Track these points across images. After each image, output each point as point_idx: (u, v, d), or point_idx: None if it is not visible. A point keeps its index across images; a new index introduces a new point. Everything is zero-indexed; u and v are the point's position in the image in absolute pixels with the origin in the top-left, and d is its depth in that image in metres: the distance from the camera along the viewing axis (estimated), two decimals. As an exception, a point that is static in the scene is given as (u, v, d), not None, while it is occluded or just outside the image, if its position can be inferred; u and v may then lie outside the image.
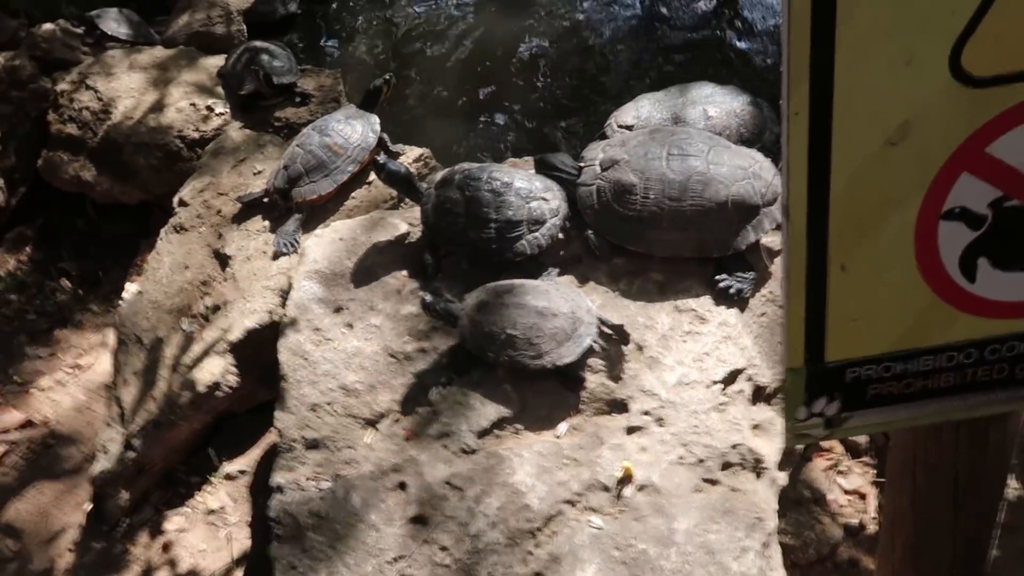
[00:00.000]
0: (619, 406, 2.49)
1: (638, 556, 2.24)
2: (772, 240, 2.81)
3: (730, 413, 2.50)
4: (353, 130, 3.34)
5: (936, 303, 1.16)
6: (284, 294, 2.96)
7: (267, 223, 3.31)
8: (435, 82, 5.10)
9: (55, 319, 3.98)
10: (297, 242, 3.16)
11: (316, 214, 3.27)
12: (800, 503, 2.79)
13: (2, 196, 4.20)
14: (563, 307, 2.51)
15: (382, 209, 3.25)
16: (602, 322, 2.55)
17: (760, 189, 2.69)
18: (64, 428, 3.48)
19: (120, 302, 3.60)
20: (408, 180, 2.97)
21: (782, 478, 2.57)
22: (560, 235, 2.81)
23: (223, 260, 3.27)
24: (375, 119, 3.41)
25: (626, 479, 2.36)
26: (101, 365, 3.66)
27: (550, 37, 5.32)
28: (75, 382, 3.66)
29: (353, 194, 3.33)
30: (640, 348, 2.57)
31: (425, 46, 5.38)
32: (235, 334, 3.04)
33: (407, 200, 3.18)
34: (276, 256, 3.16)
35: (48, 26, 4.50)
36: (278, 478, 2.51)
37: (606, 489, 2.35)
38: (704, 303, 2.67)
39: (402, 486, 2.41)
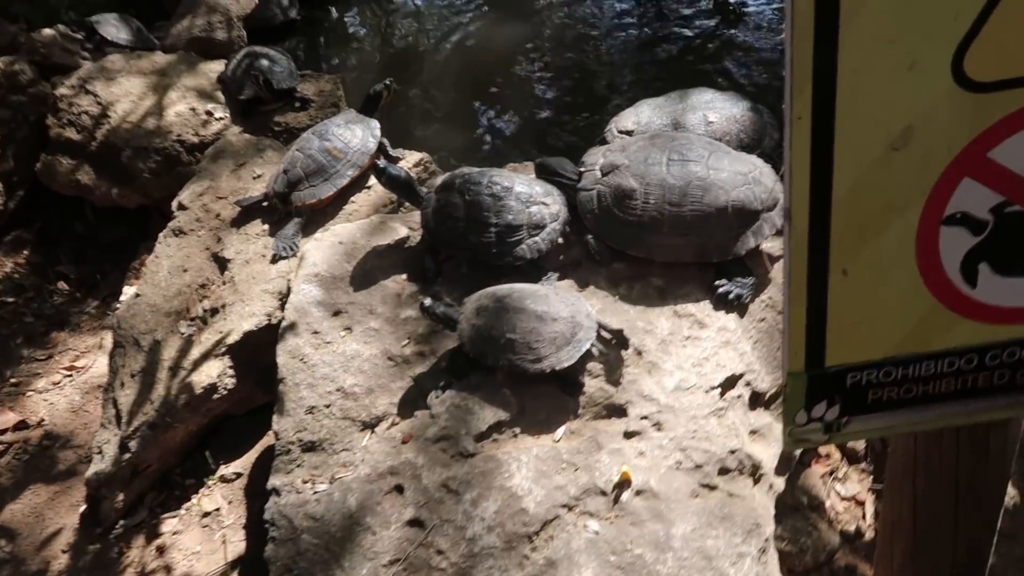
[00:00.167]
0: (618, 411, 2.49)
1: (635, 561, 2.24)
2: (772, 246, 2.81)
3: (728, 418, 2.50)
4: (353, 135, 3.34)
5: (937, 308, 1.16)
6: (283, 297, 2.96)
7: (266, 227, 3.32)
8: (435, 87, 5.12)
9: (52, 321, 3.98)
10: (296, 246, 3.17)
11: (316, 218, 3.28)
12: (797, 509, 2.79)
13: (1, 199, 4.20)
14: (563, 311, 2.51)
15: (382, 213, 3.25)
16: (601, 327, 2.55)
17: (760, 195, 2.70)
18: (60, 430, 3.47)
19: (118, 305, 3.59)
20: (408, 184, 2.97)
21: (780, 484, 2.57)
22: (560, 240, 2.81)
23: (222, 263, 3.27)
24: (375, 124, 3.42)
25: (624, 484, 2.35)
26: (98, 367, 3.66)
27: (550, 42, 5.33)
28: (71, 384, 3.65)
29: (353, 198, 3.34)
30: (639, 353, 2.57)
31: (425, 51, 5.39)
32: (233, 337, 3.04)
33: (407, 204, 3.19)
34: (275, 259, 3.16)
35: (48, 31, 4.51)
36: (275, 480, 2.50)
37: (604, 494, 2.35)
38: (704, 308, 2.67)
39: (399, 489, 2.40)
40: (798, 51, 0.99)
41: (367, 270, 2.88)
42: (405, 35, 5.57)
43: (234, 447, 3.23)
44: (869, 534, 2.79)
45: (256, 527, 2.82)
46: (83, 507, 3.17)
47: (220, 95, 4.12)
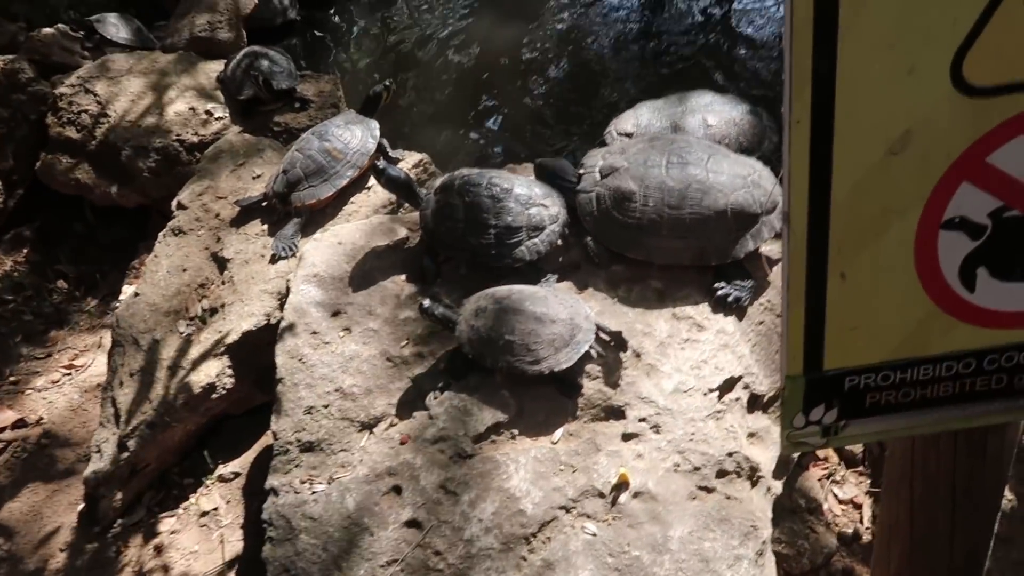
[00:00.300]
0: (616, 413, 2.49)
1: (632, 563, 2.24)
2: (770, 249, 2.82)
3: (726, 421, 2.50)
4: (353, 135, 3.34)
5: (935, 312, 1.17)
6: (282, 298, 2.96)
7: (266, 227, 3.32)
8: (434, 88, 5.12)
9: (51, 320, 3.98)
10: (295, 246, 3.17)
11: (315, 218, 3.28)
12: (795, 512, 2.79)
13: (0, 198, 4.20)
14: (561, 313, 2.52)
15: (381, 214, 3.25)
16: (600, 329, 2.55)
17: (759, 198, 2.70)
18: (58, 428, 3.47)
19: (117, 304, 3.59)
20: (408, 185, 2.97)
21: (777, 487, 2.57)
22: (559, 241, 2.81)
23: (221, 263, 3.27)
24: (375, 124, 3.42)
25: (622, 486, 2.36)
26: (97, 366, 3.66)
27: (550, 44, 5.34)
28: (70, 383, 3.65)
29: (352, 199, 3.34)
30: (638, 355, 2.57)
31: (424, 53, 5.39)
32: (232, 337, 3.04)
33: (406, 205, 3.19)
34: (274, 260, 3.16)
35: (48, 30, 4.52)
36: (273, 480, 2.51)
37: (601, 495, 2.35)
38: (702, 311, 2.67)
39: (397, 490, 2.41)
40: (797, 55, 0.99)
41: (366, 271, 2.88)
42: (405, 36, 5.57)
43: (232, 447, 3.23)
44: (866, 537, 2.80)
45: (254, 527, 2.82)
46: (81, 506, 3.17)
47: (220, 95, 4.12)
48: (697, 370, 2.55)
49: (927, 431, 1.31)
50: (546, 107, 4.89)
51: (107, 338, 3.56)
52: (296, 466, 2.51)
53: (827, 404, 1.24)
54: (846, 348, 1.19)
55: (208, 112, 4.01)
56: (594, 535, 2.29)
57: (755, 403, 2.61)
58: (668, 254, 2.72)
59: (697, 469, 2.41)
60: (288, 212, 3.27)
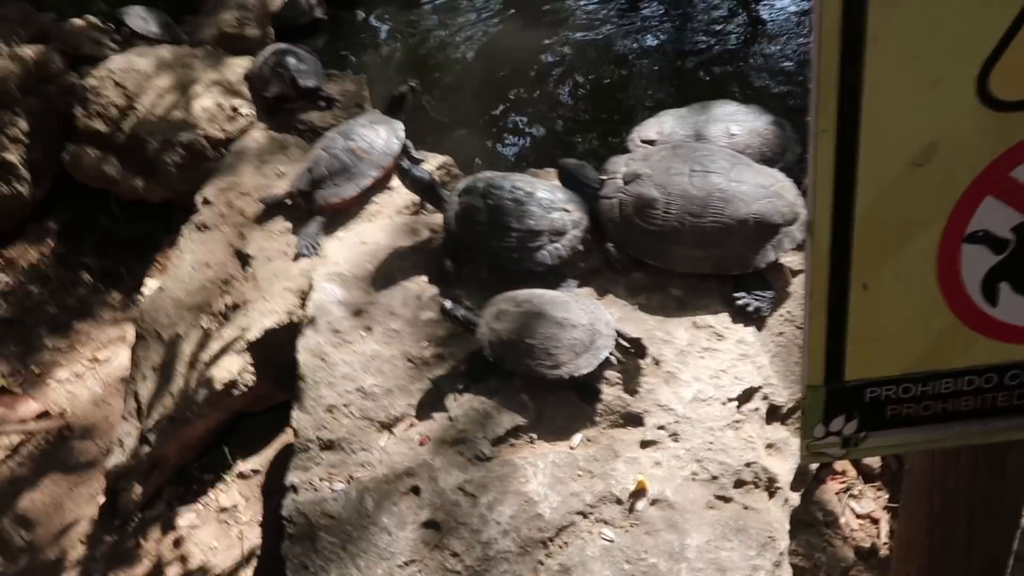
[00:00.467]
0: (634, 420, 2.49)
1: (648, 570, 2.24)
2: (791, 259, 2.81)
3: (745, 431, 2.50)
4: (377, 135, 3.36)
5: (957, 326, 1.16)
6: (304, 296, 2.98)
7: (289, 224, 3.34)
8: (459, 90, 5.13)
9: (75, 312, 4.01)
10: (318, 244, 3.18)
11: (338, 217, 3.29)
12: (812, 525, 2.78)
13: (27, 189, 4.24)
14: (582, 319, 2.52)
15: (404, 214, 3.27)
16: (620, 335, 2.55)
17: (781, 208, 2.69)
18: (80, 420, 3.51)
19: (140, 298, 3.63)
20: (431, 186, 2.99)
21: (795, 499, 2.56)
22: (581, 247, 2.82)
23: (244, 260, 3.29)
24: (399, 125, 3.43)
25: (639, 493, 2.36)
26: (119, 359, 3.70)
27: (574, 50, 5.34)
28: (93, 375, 3.69)
29: (376, 199, 3.35)
30: (657, 362, 2.57)
31: (450, 54, 5.41)
32: (253, 333, 3.06)
33: (429, 207, 3.20)
34: (297, 257, 3.18)
35: (77, 22, 4.56)
36: (292, 478, 2.52)
37: (619, 502, 2.35)
38: (722, 320, 2.67)
39: (415, 490, 2.42)
40: (824, 65, 0.99)
41: (388, 271, 2.90)
42: (430, 38, 5.59)
43: (252, 444, 3.25)
44: (883, 552, 2.78)
45: (272, 524, 2.84)
46: (102, 498, 3.20)
47: (246, 91, 4.15)
48: (716, 379, 2.55)
49: (947, 445, 1.30)
50: (569, 112, 4.90)
51: (130, 332, 3.60)
52: (316, 464, 2.53)
53: (847, 415, 1.23)
54: (867, 359, 1.19)
55: (234, 108, 4.04)
56: (611, 541, 2.29)
57: (774, 414, 2.60)
58: (689, 262, 2.72)
59: (715, 478, 2.41)
60: (312, 210, 3.29)
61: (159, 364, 3.19)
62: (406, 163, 3.09)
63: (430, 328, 2.73)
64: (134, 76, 4.19)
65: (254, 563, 2.92)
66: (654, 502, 2.35)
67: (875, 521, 2.86)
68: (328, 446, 2.55)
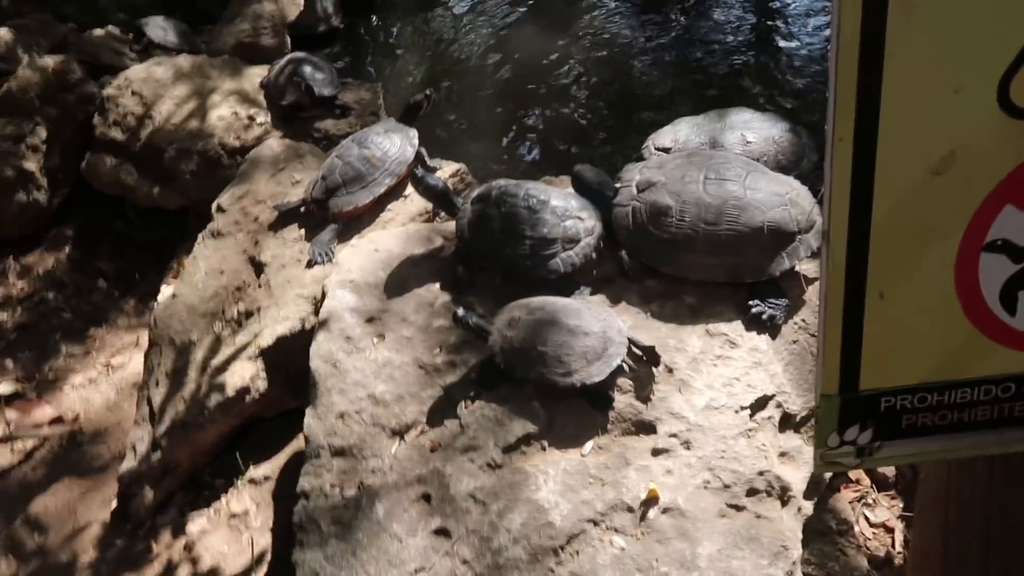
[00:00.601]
0: (647, 427, 2.49)
1: (660, 579, 2.23)
2: (806, 268, 2.80)
3: (758, 439, 2.48)
4: (392, 143, 3.37)
5: (974, 335, 1.15)
6: (317, 303, 2.98)
7: (303, 232, 3.34)
8: (473, 98, 5.15)
9: (90, 318, 4.04)
10: (332, 252, 3.19)
11: (352, 225, 3.30)
12: (825, 534, 2.76)
13: (45, 196, 4.28)
14: (594, 326, 2.52)
15: (417, 222, 3.28)
16: (632, 343, 2.55)
17: (796, 216, 2.68)
18: (94, 425, 3.53)
19: (155, 304, 3.65)
20: (445, 194, 2.99)
21: (808, 507, 2.54)
22: (594, 254, 2.81)
23: (258, 267, 3.30)
24: (414, 133, 3.44)
25: (651, 501, 2.35)
26: (134, 365, 3.71)
27: (590, 57, 5.34)
28: (107, 381, 3.71)
29: (389, 206, 3.36)
30: (670, 370, 2.56)
31: (465, 63, 5.43)
32: (266, 340, 3.06)
33: (443, 214, 3.21)
34: (311, 265, 3.19)
35: (97, 32, 4.61)
36: (304, 484, 2.53)
37: (630, 510, 2.34)
38: (736, 328, 2.66)
39: (426, 498, 2.42)
40: (843, 72, 0.98)
41: (401, 278, 2.90)
42: (446, 46, 5.61)
43: (263, 450, 3.26)
44: (898, 561, 2.76)
45: (283, 530, 2.84)
46: (114, 503, 3.21)
47: (262, 100, 4.18)
48: (729, 387, 2.54)
49: (963, 455, 1.29)
50: (584, 120, 4.90)
51: (144, 337, 3.61)
52: (327, 471, 2.53)
53: (862, 424, 1.22)
54: (883, 368, 1.18)
55: (250, 117, 4.06)
56: (622, 549, 2.28)
57: (787, 422, 2.59)
58: (703, 270, 2.71)
59: (727, 487, 2.39)
60: (326, 218, 3.30)
61: (172, 370, 3.20)
62: (420, 171, 3.10)
63: (442, 335, 2.73)
64: (152, 85, 4.22)
65: (264, 569, 2.92)
66: (665, 510, 2.34)
67: (889, 530, 2.84)
68: (339, 453, 2.55)
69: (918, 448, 1.25)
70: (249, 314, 3.21)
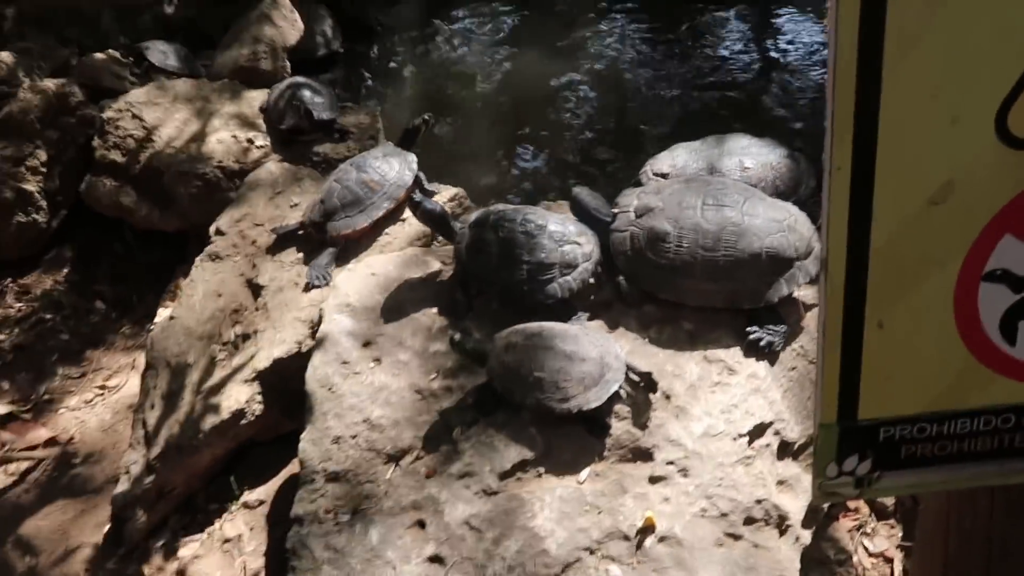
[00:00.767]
0: (644, 454, 2.47)
1: (657, 609, 2.21)
2: (805, 294, 2.79)
3: (756, 467, 2.47)
4: (390, 167, 3.38)
5: (974, 365, 1.14)
6: (314, 326, 2.97)
7: (301, 255, 3.34)
8: (472, 123, 5.17)
9: (88, 340, 4.03)
10: (329, 275, 3.19)
11: (350, 248, 3.30)
12: (823, 563, 2.74)
13: (44, 217, 4.29)
14: (592, 352, 2.51)
15: (415, 246, 3.27)
16: (630, 369, 2.54)
17: (795, 242, 2.68)
18: (89, 447, 3.50)
19: (152, 326, 3.64)
20: (443, 218, 2.99)
21: (806, 536, 2.52)
22: (592, 280, 2.81)
23: (256, 290, 3.30)
24: (412, 157, 3.45)
25: (648, 529, 2.33)
26: (130, 387, 3.70)
27: (587, 83, 5.37)
28: (103, 403, 3.69)
29: (387, 230, 3.36)
30: (667, 397, 2.55)
31: (463, 87, 5.46)
32: (263, 363, 3.05)
33: (440, 238, 3.20)
34: (308, 288, 3.18)
35: (99, 56, 4.63)
36: (298, 509, 2.50)
37: (627, 538, 2.32)
38: (734, 354, 2.65)
39: (421, 524, 2.40)
40: (840, 101, 0.98)
41: (398, 302, 2.89)
42: (445, 71, 5.64)
43: (258, 474, 3.23)
44: (897, 592, 2.74)
45: (276, 555, 2.82)
46: (107, 526, 3.18)
47: (262, 124, 4.19)
48: (727, 414, 2.52)
49: (963, 486, 1.28)
50: (582, 145, 4.92)
51: (141, 359, 3.60)
52: (321, 496, 2.51)
53: (861, 454, 1.21)
54: (882, 398, 1.17)
55: (250, 140, 4.07)
56: (618, 578, 2.26)
57: (785, 450, 2.58)
58: (701, 296, 2.70)
59: (725, 515, 2.38)
60: (324, 241, 3.30)
61: (168, 392, 3.18)
62: (418, 195, 3.10)
63: (439, 360, 2.72)
64: (152, 108, 4.24)
65: (258, 595, 2.90)
66: (662, 539, 2.32)
67: (888, 560, 2.82)
68: (334, 478, 2.53)
69: (918, 479, 1.24)
70: (246, 337, 3.20)
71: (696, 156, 3.18)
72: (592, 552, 2.31)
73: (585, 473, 2.45)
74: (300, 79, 4.28)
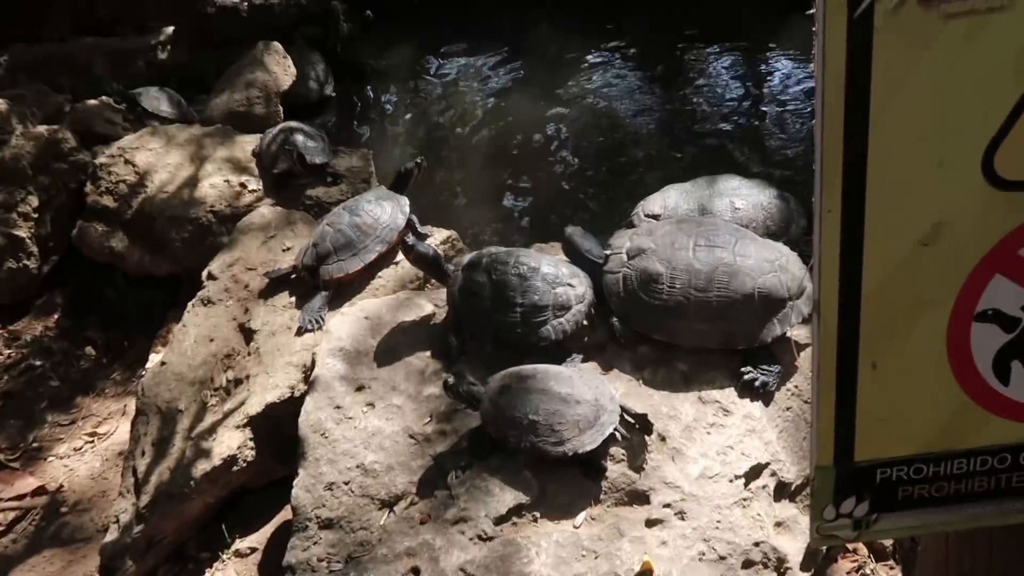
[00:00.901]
0: (640, 497, 2.45)
1: (656, 655, 2.17)
2: (798, 334, 2.79)
3: (753, 509, 2.45)
4: (383, 210, 3.38)
5: (969, 405, 1.14)
6: (307, 370, 2.96)
7: (293, 299, 3.34)
8: (464, 165, 5.20)
9: (78, 386, 4.00)
10: (322, 319, 3.18)
11: (343, 292, 3.30)
12: (823, 606, 2.71)
13: (35, 263, 4.28)
14: (586, 394, 2.49)
15: (408, 289, 3.27)
16: (625, 411, 2.52)
17: (787, 282, 2.69)
18: (78, 496, 3.46)
19: (143, 372, 3.62)
20: (436, 261, 2.99)
21: (805, 579, 2.50)
22: (585, 321, 2.81)
23: (248, 334, 3.29)
24: (405, 200, 3.46)
25: (645, 573, 2.30)
26: (120, 434, 3.67)
27: (579, 125, 5.42)
28: (92, 450, 3.66)
29: (380, 273, 3.36)
30: (663, 439, 2.54)
31: (456, 130, 5.50)
32: (255, 408, 3.03)
33: (433, 281, 3.20)
34: (301, 332, 3.17)
35: (92, 102, 4.66)
36: (290, 557, 2.47)
37: (624, 583, 2.30)
38: (729, 395, 2.64)
39: (415, 571, 2.36)
40: (828, 146, 0.99)
41: (391, 346, 2.88)
42: (437, 114, 5.68)
43: (250, 521, 3.19)
44: (898, 635, 2.70)
45: (269, 604, 2.78)
46: (96, 577, 3.14)
47: (254, 168, 4.21)
48: (723, 456, 2.51)
49: (962, 527, 1.27)
50: (574, 187, 4.95)
51: (131, 405, 3.58)
52: (315, 543, 2.48)
53: (858, 496, 1.21)
54: (878, 439, 1.17)
55: (242, 184, 4.08)
56: (616, 624, 2.23)
57: (782, 491, 2.56)
58: (694, 337, 2.70)
59: (723, 558, 2.35)
60: (316, 285, 3.29)
61: (158, 439, 3.15)
62: (411, 238, 3.10)
63: (432, 404, 2.71)
64: (145, 154, 4.26)
65: (251, 646, 2.85)
66: (661, 584, 2.29)
67: (889, 603, 2.79)
68: (327, 525, 2.50)
69: (916, 520, 1.23)
70: (238, 382, 3.18)
71: (687, 197, 3.20)
72: (589, 598, 2.27)
73: (581, 517, 2.43)
74: (293, 123, 4.30)
